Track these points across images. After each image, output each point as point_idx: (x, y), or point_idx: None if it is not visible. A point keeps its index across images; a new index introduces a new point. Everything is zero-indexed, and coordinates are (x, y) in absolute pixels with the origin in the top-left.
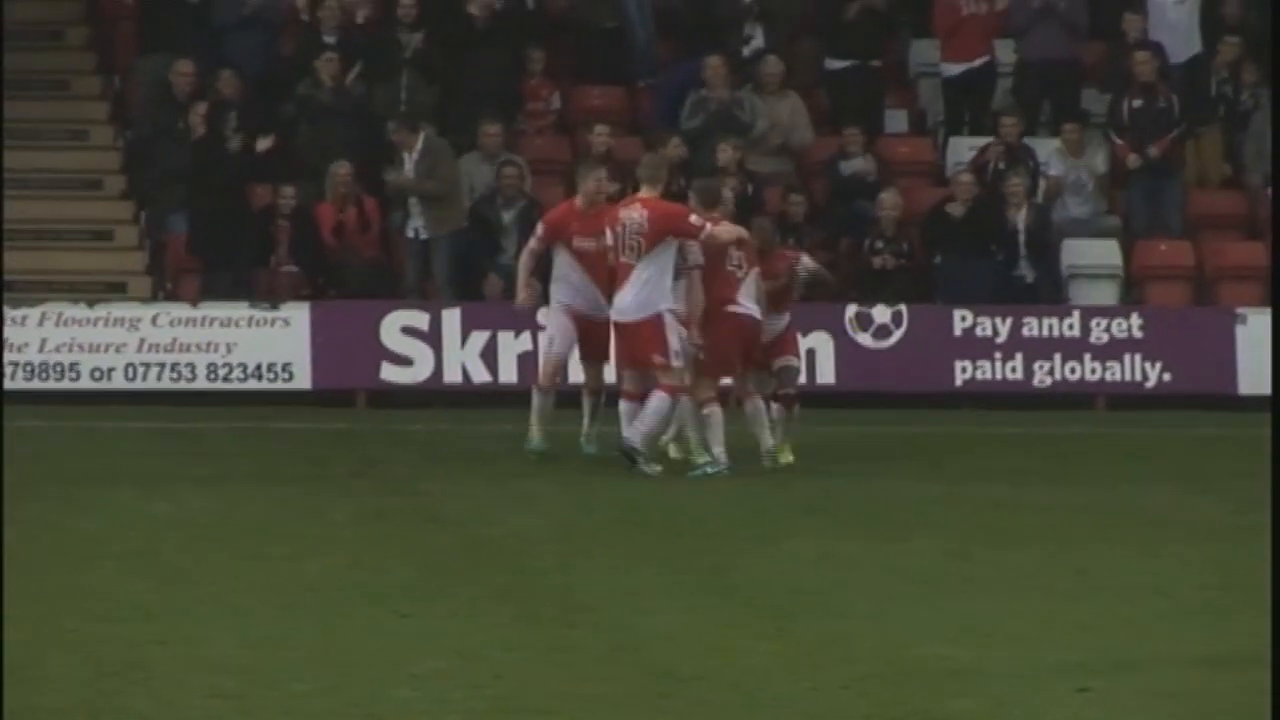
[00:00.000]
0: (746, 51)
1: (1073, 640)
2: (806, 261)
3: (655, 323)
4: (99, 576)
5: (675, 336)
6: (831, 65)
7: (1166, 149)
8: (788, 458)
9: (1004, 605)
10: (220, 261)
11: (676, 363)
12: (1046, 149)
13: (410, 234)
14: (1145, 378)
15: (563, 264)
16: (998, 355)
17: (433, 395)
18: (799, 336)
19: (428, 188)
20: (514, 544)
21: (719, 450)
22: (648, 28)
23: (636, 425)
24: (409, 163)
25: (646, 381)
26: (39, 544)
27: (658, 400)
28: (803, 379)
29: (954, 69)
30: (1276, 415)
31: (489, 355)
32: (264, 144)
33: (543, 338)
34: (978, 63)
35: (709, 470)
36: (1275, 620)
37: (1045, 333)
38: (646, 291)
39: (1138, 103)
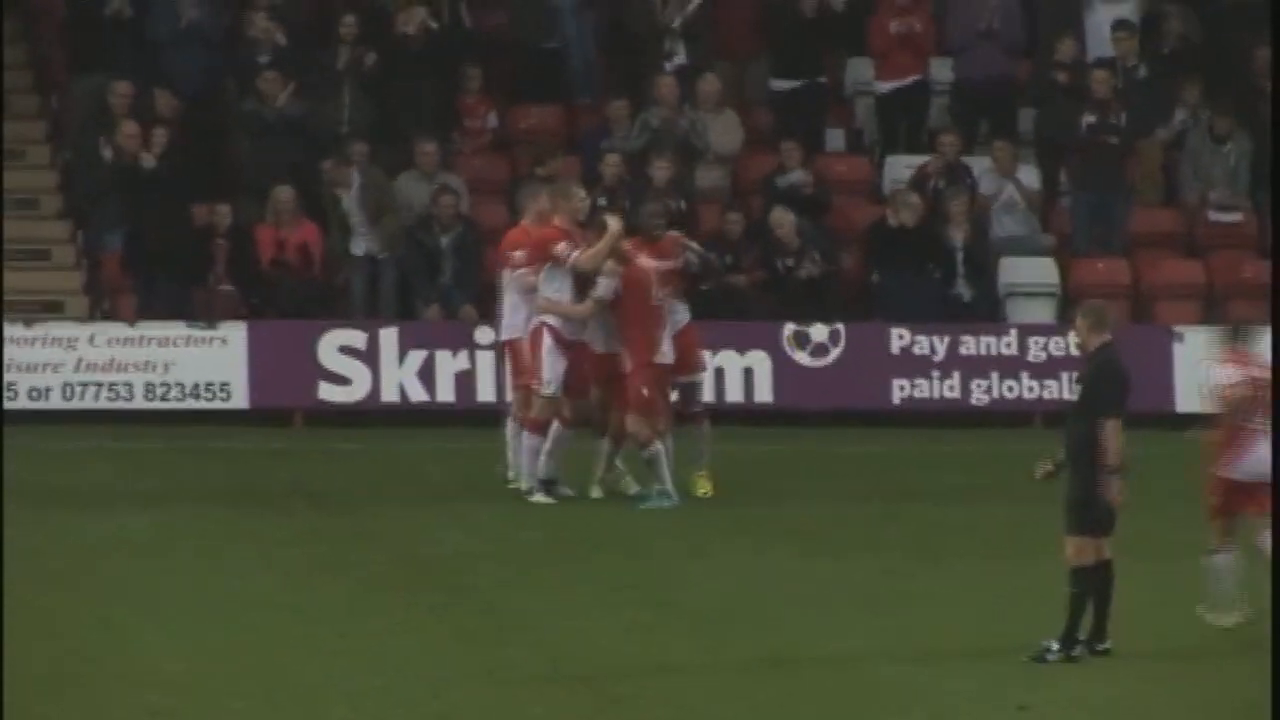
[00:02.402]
0: (669, 68)
1: (1011, 656)
2: (692, 245)
3: (519, 347)
4: (35, 594)
5: (551, 363)
6: (778, 85)
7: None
8: (705, 489)
9: (942, 622)
10: (155, 280)
11: (545, 390)
12: (982, 167)
13: (358, 252)
14: None
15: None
16: (935, 373)
17: (370, 414)
18: (696, 342)
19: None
20: (451, 562)
21: (668, 485)
22: (586, 47)
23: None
24: (347, 199)
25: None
26: None
27: (524, 439)
28: (740, 397)
29: (885, 86)
30: (1276, 417)
31: (426, 374)
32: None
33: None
34: (909, 80)
35: (664, 504)
36: (1275, 620)
37: (983, 351)
38: (509, 314)
39: (1091, 119)
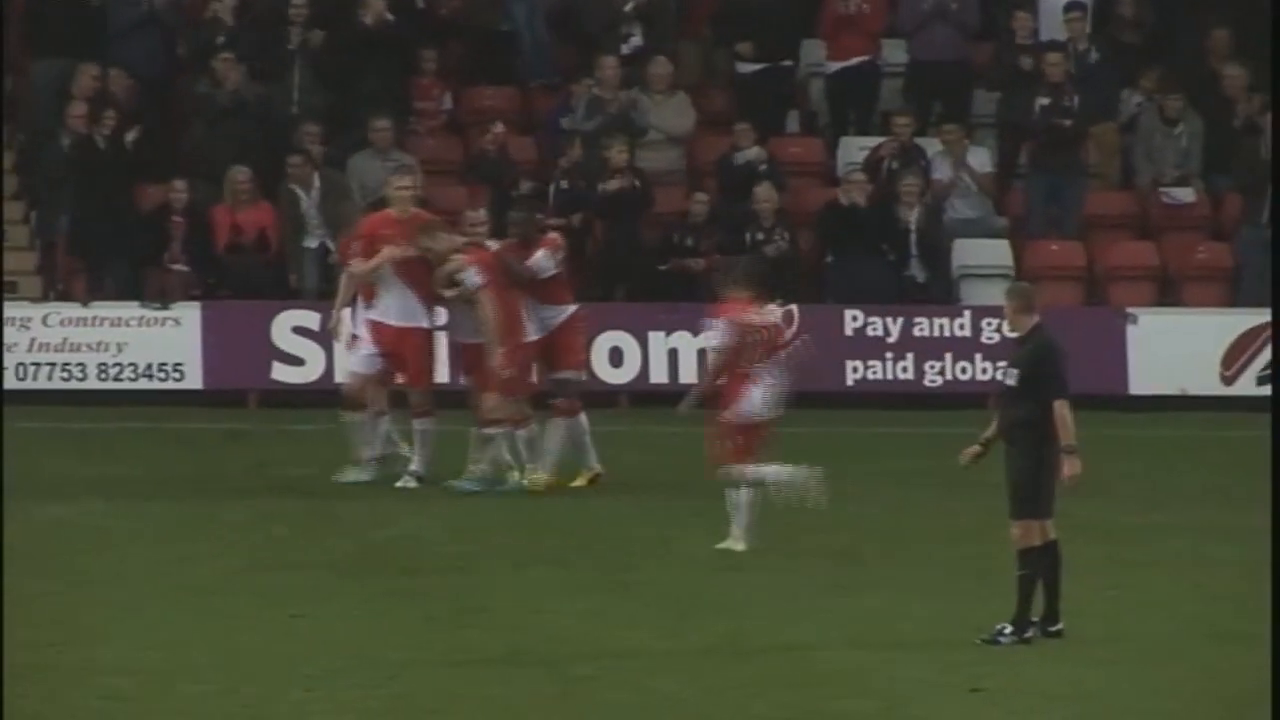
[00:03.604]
0: (626, 49)
1: (965, 641)
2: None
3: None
4: None
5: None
6: (743, 69)
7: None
8: (538, 478)
9: (896, 607)
10: (104, 261)
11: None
12: (935, 149)
13: (312, 245)
14: None
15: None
16: (889, 355)
17: (324, 395)
18: (579, 339)
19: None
20: (409, 545)
21: (486, 470)
22: (536, 30)
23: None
24: (306, 201)
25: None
26: None
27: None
28: (695, 378)
29: (834, 67)
30: (1276, 416)
31: None
32: (130, 136)
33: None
34: (855, 61)
35: (473, 487)
36: (1275, 619)
37: (936, 333)
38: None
39: (1044, 101)
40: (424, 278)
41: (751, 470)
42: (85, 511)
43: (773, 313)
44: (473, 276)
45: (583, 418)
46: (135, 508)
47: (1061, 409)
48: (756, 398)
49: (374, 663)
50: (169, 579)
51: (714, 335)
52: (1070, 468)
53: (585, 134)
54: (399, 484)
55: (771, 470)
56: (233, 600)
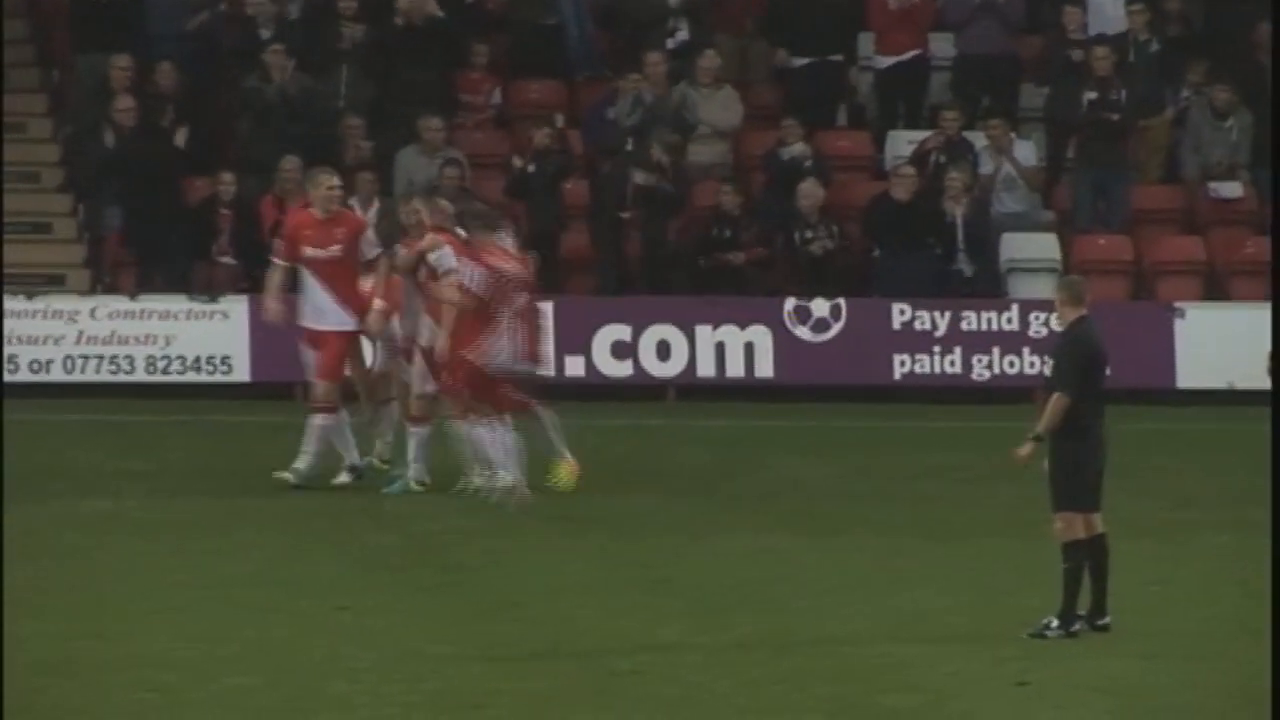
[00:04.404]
0: (671, 44)
1: (1010, 635)
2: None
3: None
4: (33, 574)
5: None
6: (791, 63)
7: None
8: (475, 482)
9: (941, 600)
10: (156, 255)
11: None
12: (982, 143)
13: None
14: None
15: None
16: (936, 349)
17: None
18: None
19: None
20: (450, 539)
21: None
22: (583, 23)
23: None
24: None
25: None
26: None
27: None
28: (741, 372)
29: (885, 62)
30: (1277, 415)
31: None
32: (180, 135)
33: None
34: (907, 56)
35: (394, 487)
36: (1275, 619)
37: (984, 326)
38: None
39: (1092, 95)
40: (343, 279)
41: (469, 428)
42: (129, 504)
43: (526, 264)
44: (448, 258)
45: (540, 412)
46: (177, 501)
47: (1057, 402)
48: (503, 348)
49: (416, 656)
50: (210, 572)
51: (466, 277)
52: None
53: (632, 128)
54: (280, 473)
55: (488, 442)
56: (274, 593)
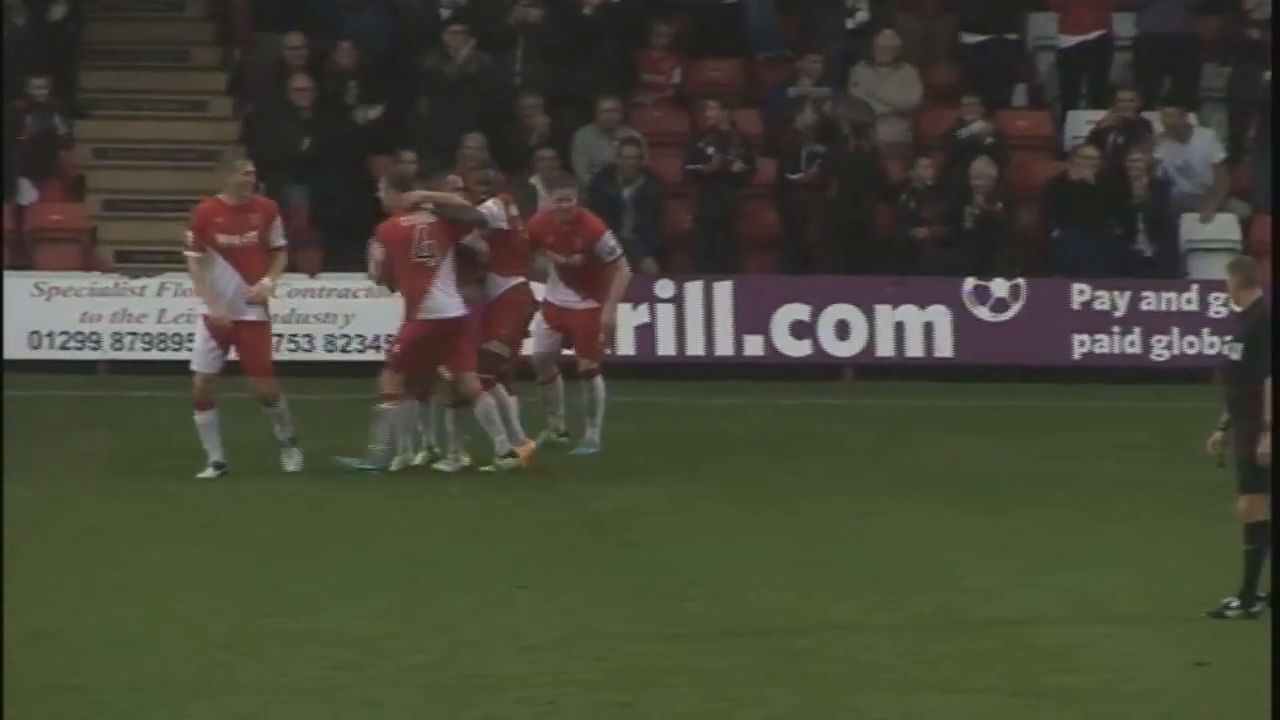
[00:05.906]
0: (851, 24)
1: (1188, 615)
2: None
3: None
4: (209, 552)
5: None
6: (968, 39)
7: None
8: (458, 463)
9: (1116, 581)
10: (339, 234)
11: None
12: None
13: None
14: None
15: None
16: (1116, 329)
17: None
18: (506, 314)
19: None
20: (627, 517)
21: (379, 450)
22: (762, 2)
23: None
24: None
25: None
26: (150, 520)
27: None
28: (920, 351)
29: (1069, 41)
30: (1277, 415)
31: None
32: (373, 113)
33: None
34: (1093, 35)
35: (365, 465)
36: (1276, 620)
37: (1163, 307)
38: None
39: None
40: (260, 267)
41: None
42: (306, 481)
43: (423, 213)
44: (497, 217)
45: (502, 393)
46: (351, 479)
47: (1277, 390)
48: (439, 296)
49: (595, 634)
50: (387, 549)
51: (373, 256)
52: (1261, 446)
53: (816, 100)
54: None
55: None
56: (453, 571)
